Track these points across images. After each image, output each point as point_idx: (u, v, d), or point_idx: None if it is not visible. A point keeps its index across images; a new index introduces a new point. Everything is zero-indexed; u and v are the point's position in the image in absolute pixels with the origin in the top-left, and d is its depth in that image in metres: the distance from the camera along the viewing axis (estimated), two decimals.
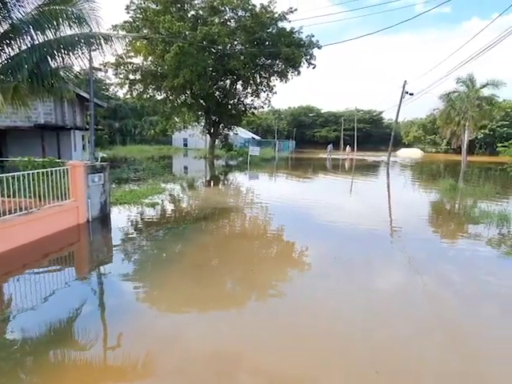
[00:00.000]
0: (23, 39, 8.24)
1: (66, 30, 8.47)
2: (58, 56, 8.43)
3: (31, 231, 7.05)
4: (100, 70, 28.47)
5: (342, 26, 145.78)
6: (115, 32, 24.55)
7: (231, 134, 38.18)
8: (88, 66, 10.80)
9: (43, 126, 18.39)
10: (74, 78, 10.54)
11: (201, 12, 28.86)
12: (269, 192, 15.92)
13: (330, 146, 47.10)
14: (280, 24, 29.25)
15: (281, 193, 15.44)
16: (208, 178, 21.84)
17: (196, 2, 28.99)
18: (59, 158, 14.29)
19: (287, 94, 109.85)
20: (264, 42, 28.57)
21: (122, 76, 29.81)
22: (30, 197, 7.40)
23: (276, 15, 28.77)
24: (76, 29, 8.54)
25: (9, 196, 7.00)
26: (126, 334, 4.08)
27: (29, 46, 8.16)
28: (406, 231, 9.42)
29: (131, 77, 30.11)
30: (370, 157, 46.20)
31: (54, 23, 8.18)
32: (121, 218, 9.84)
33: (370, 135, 79.99)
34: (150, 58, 28.92)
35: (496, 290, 5.64)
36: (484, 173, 25.87)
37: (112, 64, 28.45)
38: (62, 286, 5.61)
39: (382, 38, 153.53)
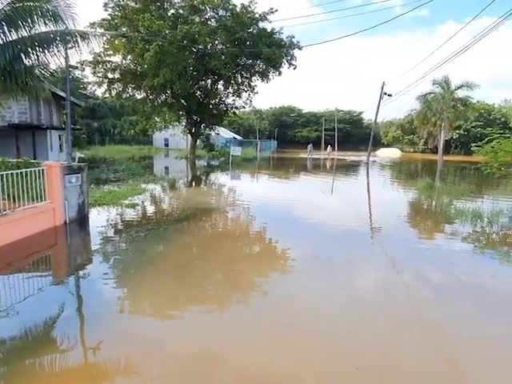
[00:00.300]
0: None
1: (41, 27, 8.25)
2: (33, 53, 8.21)
3: (4, 234, 6.82)
4: (77, 68, 27.91)
5: (322, 28, 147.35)
6: (93, 30, 24.04)
7: (213, 134, 37.98)
8: (64, 64, 10.50)
9: (17, 125, 17.84)
10: (49, 77, 10.27)
11: (181, 11, 28.61)
12: (251, 192, 15.94)
13: (310, 146, 47.56)
14: (261, 24, 29.33)
15: (263, 193, 15.48)
16: (189, 179, 21.68)
17: (176, 0, 28.73)
18: (35, 159, 13.89)
19: (269, 94, 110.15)
20: (245, 41, 28.58)
21: (100, 75, 29.23)
22: (3, 199, 7.16)
23: (257, 15, 28.82)
24: (51, 26, 8.33)
25: None
26: (106, 339, 4.00)
27: (1, 43, 7.90)
28: (386, 230, 9.62)
29: (110, 75, 29.56)
30: (351, 156, 46.89)
31: (29, 20, 7.96)
32: (100, 219, 9.65)
33: (351, 135, 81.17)
34: (129, 56, 28.47)
35: (471, 287, 5.83)
36: (459, 172, 26.69)
37: (90, 62, 27.87)
38: (37, 290, 5.44)
39: (361, 39, 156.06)
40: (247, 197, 14.29)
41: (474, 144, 14.07)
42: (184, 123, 35.31)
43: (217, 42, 29.60)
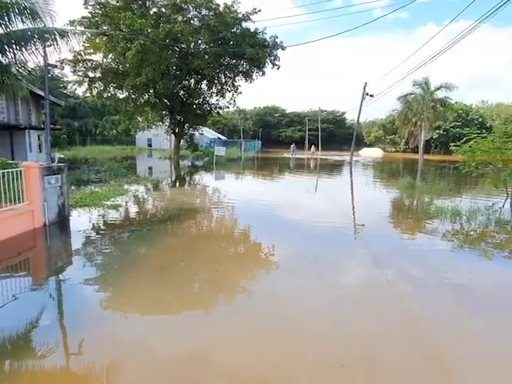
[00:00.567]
0: None
1: (18, 25, 8.05)
2: (10, 51, 8.00)
3: None
4: (56, 66, 27.27)
5: (306, 28, 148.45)
6: (72, 28, 23.57)
7: (197, 134, 37.71)
8: (43, 62, 10.27)
9: None
10: (27, 75, 10.03)
11: (163, 9, 28.30)
12: (235, 192, 15.93)
13: (292, 146, 47.90)
14: (244, 24, 29.28)
15: (247, 192, 15.50)
16: (173, 179, 21.50)
17: None
18: (13, 159, 13.54)
19: (253, 95, 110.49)
20: (228, 41, 28.50)
21: (80, 73, 28.59)
22: None
23: (240, 15, 28.78)
24: (29, 24, 8.13)
25: None
26: (88, 342, 3.94)
27: None
28: (369, 228, 9.76)
29: (91, 74, 28.96)
30: (334, 156, 47.41)
31: (5, 17, 7.75)
32: (81, 221, 9.46)
33: (334, 135, 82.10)
34: (110, 55, 27.96)
35: (452, 283, 5.97)
36: (439, 171, 27.33)
37: (69, 61, 27.23)
38: (16, 294, 5.30)
39: (344, 40, 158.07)
40: (232, 197, 14.28)
41: (452, 144, 14.45)
42: (167, 123, 34.94)
43: (200, 42, 29.43)
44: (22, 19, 7.96)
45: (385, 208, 12.81)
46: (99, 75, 28.98)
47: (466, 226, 9.66)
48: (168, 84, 27.84)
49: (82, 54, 27.31)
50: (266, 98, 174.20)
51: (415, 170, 27.71)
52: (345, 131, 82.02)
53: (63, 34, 8.40)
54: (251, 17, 28.98)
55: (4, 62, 8.11)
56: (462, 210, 10.66)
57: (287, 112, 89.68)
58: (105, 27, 26.35)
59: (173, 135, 35.66)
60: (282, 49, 29.84)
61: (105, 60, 28.56)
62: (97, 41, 26.60)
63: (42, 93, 18.55)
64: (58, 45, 8.37)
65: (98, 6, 26.27)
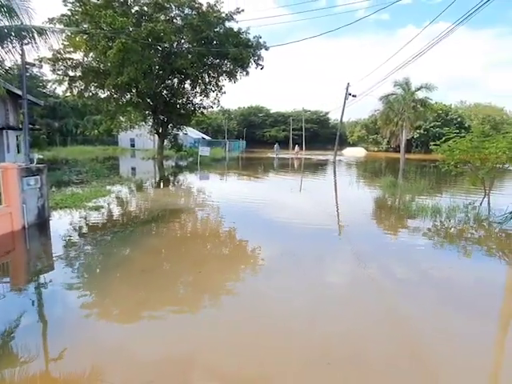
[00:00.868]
0: None
1: None
2: None
3: None
4: (34, 65, 26.57)
5: (290, 28, 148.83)
6: (51, 25, 23.03)
7: (180, 134, 37.43)
8: (20, 60, 9.99)
9: None
10: (4, 74, 9.76)
11: (145, 8, 27.96)
12: (219, 192, 15.88)
13: (276, 146, 48.13)
14: (227, 24, 29.24)
15: (232, 192, 15.47)
16: (157, 179, 21.27)
17: None
18: None
19: (237, 94, 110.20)
20: (211, 41, 28.38)
21: (60, 72, 27.98)
22: None
23: (223, 15, 28.70)
24: (6, 21, 7.91)
25: None
26: (69, 347, 3.85)
27: None
28: (353, 227, 9.89)
29: (71, 73, 28.39)
30: (318, 156, 47.79)
31: None
32: (62, 223, 9.27)
33: (318, 135, 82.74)
34: (91, 54, 27.46)
35: (434, 280, 6.10)
36: (420, 169, 27.86)
37: (49, 59, 26.60)
38: None
39: (327, 41, 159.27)
40: (216, 197, 14.23)
41: (432, 143, 14.76)
42: (150, 123, 34.55)
43: (183, 41, 29.23)
44: None
45: (368, 207, 13.00)
46: (80, 74, 28.43)
47: (446, 223, 9.90)
48: (151, 83, 27.54)
49: (62, 52, 26.76)
50: (250, 98, 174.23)
51: (397, 169, 28.20)
52: (328, 131, 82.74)
53: (41, 31, 8.20)
54: (234, 16, 28.98)
55: None
56: (442, 207, 10.92)
57: (271, 112, 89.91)
58: (85, 25, 25.84)
59: (156, 135, 35.28)
60: (266, 49, 29.92)
61: (85, 59, 28.03)
62: (77, 39, 26.08)
63: (20, 92, 18.06)
64: (36, 43, 8.17)
65: (78, 4, 25.74)
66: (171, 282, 5.76)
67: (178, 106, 33.20)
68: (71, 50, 27.01)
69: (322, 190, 18.32)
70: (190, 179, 21.72)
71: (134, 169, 28.81)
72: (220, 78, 32.06)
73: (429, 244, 8.09)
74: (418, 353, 3.97)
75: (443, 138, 13.26)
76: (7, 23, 7.89)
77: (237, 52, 27.81)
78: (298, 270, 6.35)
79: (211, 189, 17.09)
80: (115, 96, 30.18)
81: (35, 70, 44.31)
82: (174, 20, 28.48)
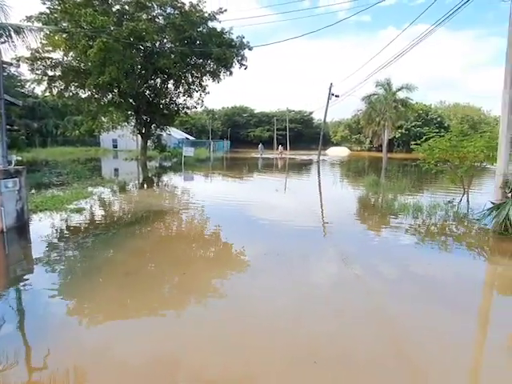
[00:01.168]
0: None
1: None
2: None
3: None
4: (12, 64, 25.86)
5: (273, 28, 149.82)
6: (29, 24, 22.47)
7: (164, 134, 37.10)
8: None
9: None
10: None
11: (126, 7, 27.60)
12: (204, 193, 15.82)
13: (260, 146, 48.28)
14: (210, 24, 29.14)
15: (216, 193, 15.42)
16: (140, 181, 21.01)
17: None
18: None
19: (221, 95, 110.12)
20: (194, 41, 28.23)
21: (39, 72, 27.34)
22: None
23: (206, 14, 28.59)
24: None
25: None
26: (52, 352, 3.77)
27: None
28: (337, 225, 10.00)
29: (50, 73, 27.77)
30: (302, 155, 48.12)
31: None
32: (42, 226, 9.05)
33: (302, 135, 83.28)
34: (71, 53, 26.91)
35: (418, 277, 6.21)
36: (402, 168, 28.35)
37: (27, 59, 25.96)
38: None
39: (310, 42, 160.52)
40: (201, 198, 14.16)
41: (413, 142, 15.08)
42: (133, 123, 34.11)
43: (165, 41, 28.97)
44: None
45: (351, 205, 13.17)
46: (59, 74, 27.85)
47: (427, 220, 10.12)
48: (133, 83, 27.22)
49: (41, 51, 26.16)
50: (234, 98, 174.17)
51: (379, 168, 28.66)
52: (312, 131, 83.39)
53: (19, 30, 8.00)
54: (217, 16, 28.92)
55: None
56: (423, 205, 11.15)
57: (256, 112, 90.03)
58: (64, 24, 25.32)
59: (139, 136, 34.87)
60: (249, 49, 29.97)
61: (65, 58, 27.48)
62: (56, 38, 25.55)
63: None
64: (13, 41, 7.97)
65: (57, 2, 25.20)
66: (156, 284, 5.70)
67: (161, 106, 32.90)
68: (50, 49, 26.44)
69: (306, 189, 18.46)
70: (174, 180, 21.54)
71: (116, 170, 28.37)
72: (203, 78, 31.94)
73: (410, 241, 8.25)
74: (405, 350, 4.04)
75: (423, 138, 13.56)
76: None
77: (220, 52, 27.74)
78: (283, 270, 6.37)
79: (196, 189, 17.01)
80: (96, 96, 29.68)
81: (13, 69, 43.10)
82: (156, 19, 28.21)
